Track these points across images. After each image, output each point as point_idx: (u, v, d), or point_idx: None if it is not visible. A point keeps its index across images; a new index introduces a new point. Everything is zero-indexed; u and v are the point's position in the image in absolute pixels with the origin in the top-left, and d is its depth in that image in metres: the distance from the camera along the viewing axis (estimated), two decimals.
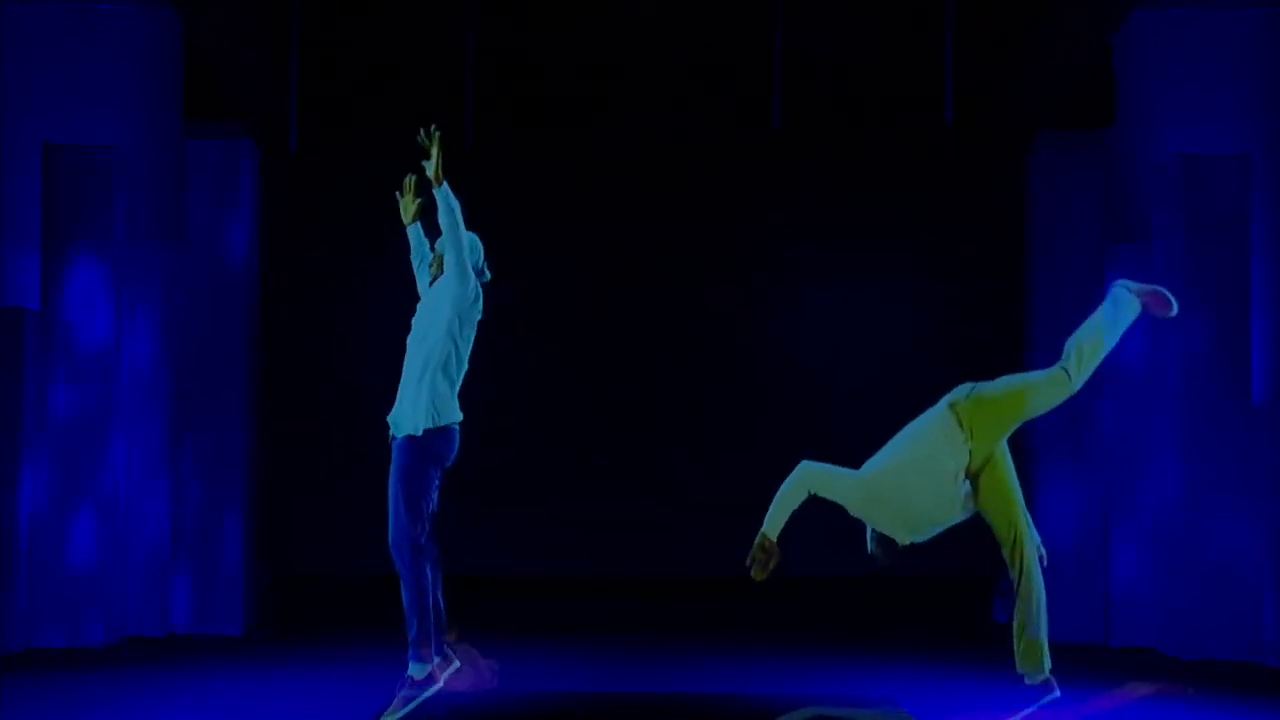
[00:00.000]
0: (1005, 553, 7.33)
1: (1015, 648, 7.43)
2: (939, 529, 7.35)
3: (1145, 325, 11.89)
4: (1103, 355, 7.19)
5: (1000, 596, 13.47)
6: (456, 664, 7.74)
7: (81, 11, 11.83)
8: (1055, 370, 7.24)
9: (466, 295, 7.53)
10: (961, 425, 7.11)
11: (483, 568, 13.25)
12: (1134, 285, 7.38)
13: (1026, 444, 12.52)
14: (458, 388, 7.62)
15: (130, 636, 11.73)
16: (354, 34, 13.41)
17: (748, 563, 7.21)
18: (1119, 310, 7.27)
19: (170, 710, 8.85)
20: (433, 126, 7.39)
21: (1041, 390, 7.23)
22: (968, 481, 7.25)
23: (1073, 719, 8.66)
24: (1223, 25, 11.72)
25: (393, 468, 7.59)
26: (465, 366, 7.65)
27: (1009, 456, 7.28)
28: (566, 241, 13.42)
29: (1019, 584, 7.33)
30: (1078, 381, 7.17)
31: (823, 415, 12.65)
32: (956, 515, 7.32)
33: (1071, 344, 7.25)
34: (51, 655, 10.81)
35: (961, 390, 7.24)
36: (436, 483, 7.63)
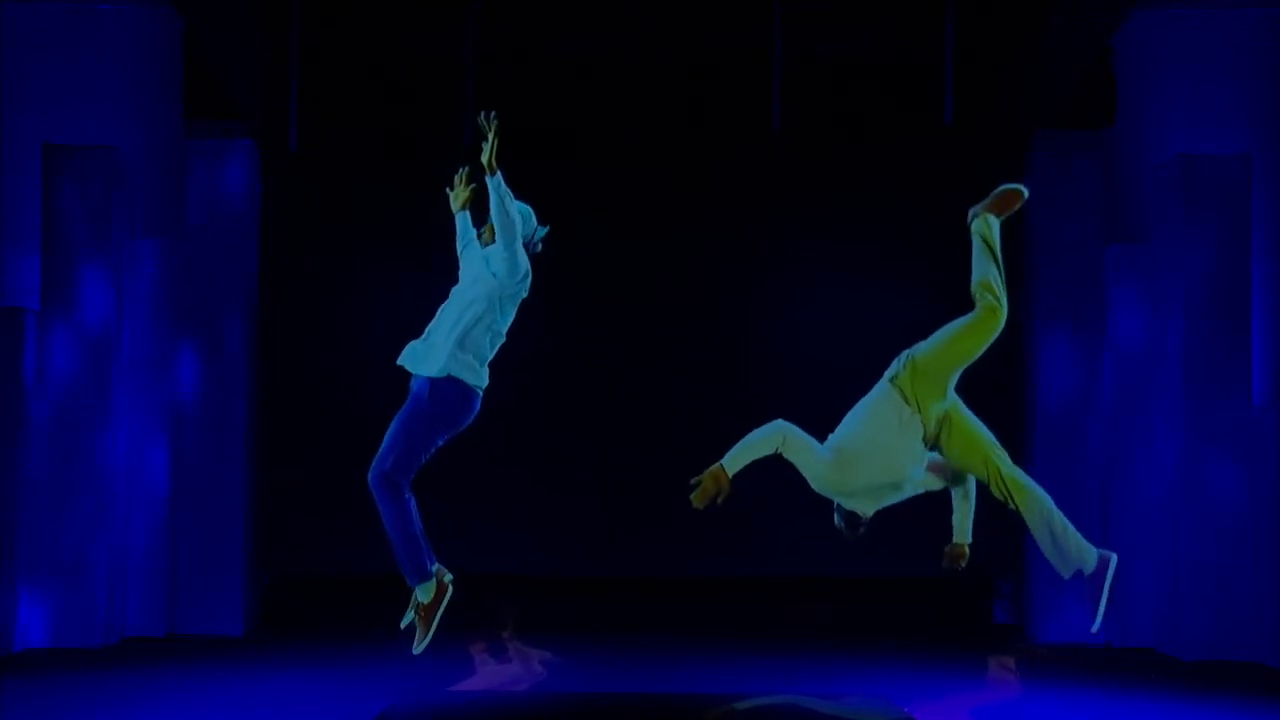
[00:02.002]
0: (995, 492, 7.31)
1: (1048, 556, 7.40)
2: (904, 497, 7.34)
3: (1144, 325, 11.95)
4: (1003, 273, 7.19)
5: (1000, 597, 13.48)
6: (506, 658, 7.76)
7: (81, 11, 11.83)
8: (980, 311, 7.25)
9: (515, 276, 7.53)
10: (907, 399, 7.14)
11: (482, 567, 13.24)
12: (979, 207, 7.44)
13: (1025, 442, 12.52)
14: (488, 357, 7.57)
15: (130, 636, 11.73)
16: (354, 34, 13.40)
17: (693, 481, 7.18)
18: (985, 236, 7.33)
19: (170, 710, 8.85)
20: (491, 114, 7.31)
21: (974, 332, 7.23)
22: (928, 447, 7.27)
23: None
24: (1222, 25, 11.72)
25: (405, 406, 7.51)
26: (501, 340, 7.61)
27: (962, 406, 7.29)
28: (566, 240, 13.41)
29: (1023, 508, 7.30)
30: (1004, 310, 7.18)
31: (821, 413, 12.61)
32: (918, 481, 7.31)
33: (977, 287, 7.27)
34: (51, 655, 10.81)
35: (899, 361, 7.27)
36: (440, 442, 7.57)
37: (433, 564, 7.63)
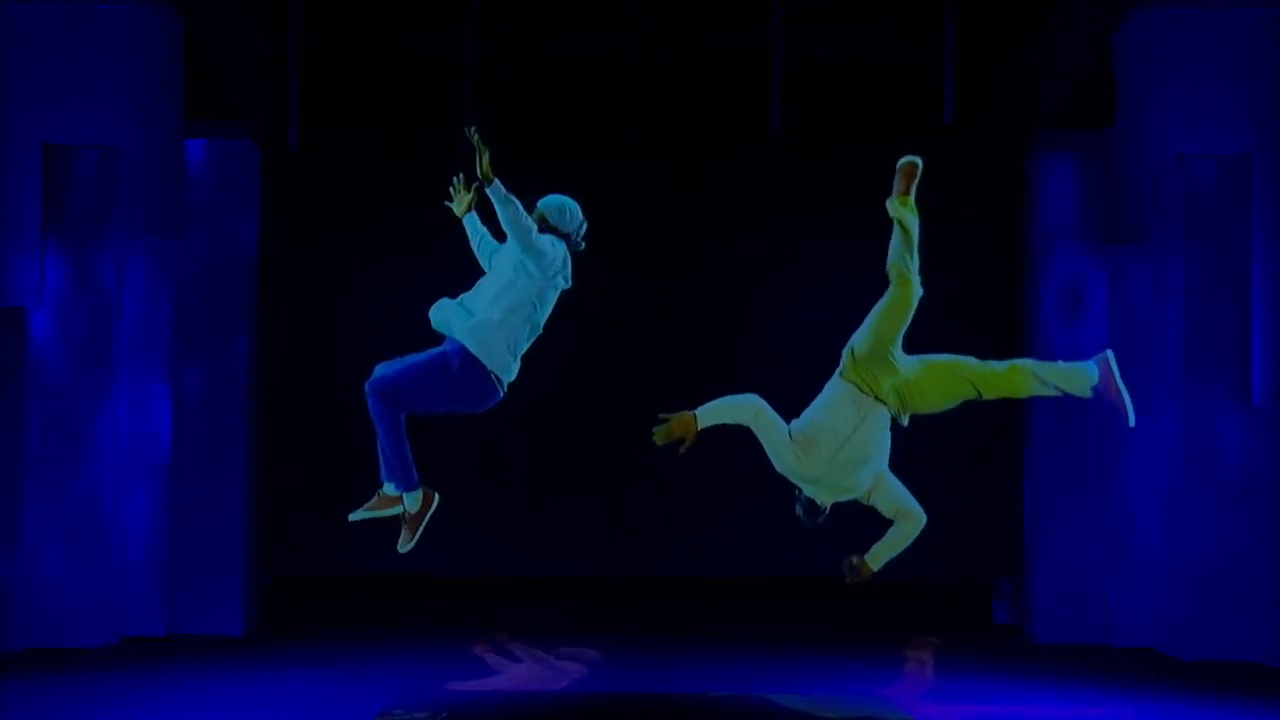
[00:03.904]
0: (993, 396, 7.44)
1: (1064, 394, 7.57)
2: (860, 494, 7.39)
3: (1143, 325, 11.95)
4: (915, 250, 7.61)
5: (1000, 597, 13.48)
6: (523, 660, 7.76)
7: (81, 11, 11.81)
8: (894, 288, 7.59)
9: (549, 270, 7.42)
10: (861, 389, 7.31)
11: (482, 567, 13.24)
12: (893, 192, 7.71)
13: (1025, 440, 12.52)
14: (522, 349, 7.45)
15: (130, 636, 11.74)
16: (354, 34, 13.41)
17: (661, 416, 7.20)
18: (897, 218, 7.68)
19: (170, 710, 8.86)
20: (472, 128, 7.25)
21: (894, 308, 7.53)
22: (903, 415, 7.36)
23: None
24: (1222, 25, 11.70)
25: (433, 356, 7.39)
26: (538, 333, 7.51)
27: (918, 360, 7.44)
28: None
29: (1023, 387, 7.51)
30: (914, 280, 7.58)
31: None
32: (879, 471, 7.38)
33: (892, 268, 7.61)
34: (51, 655, 10.81)
35: (844, 358, 7.45)
36: (443, 409, 7.51)
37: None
